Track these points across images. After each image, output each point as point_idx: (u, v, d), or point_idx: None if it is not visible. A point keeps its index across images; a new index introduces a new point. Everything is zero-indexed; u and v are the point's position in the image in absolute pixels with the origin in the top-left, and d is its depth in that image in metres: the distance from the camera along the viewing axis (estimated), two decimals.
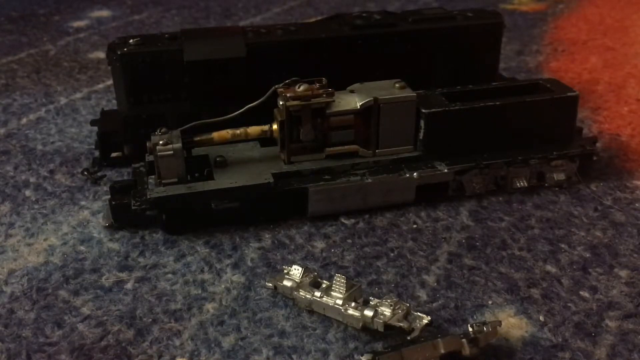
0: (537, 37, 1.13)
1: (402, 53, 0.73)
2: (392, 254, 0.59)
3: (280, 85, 0.61)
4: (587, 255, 0.58)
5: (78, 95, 0.93)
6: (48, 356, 0.49)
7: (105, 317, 0.52)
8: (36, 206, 0.67)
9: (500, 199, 0.66)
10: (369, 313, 0.48)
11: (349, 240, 0.61)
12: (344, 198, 0.63)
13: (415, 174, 0.64)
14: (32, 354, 0.49)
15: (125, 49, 0.67)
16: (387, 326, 0.48)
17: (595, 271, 0.56)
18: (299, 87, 0.61)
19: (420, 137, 0.65)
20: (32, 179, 0.71)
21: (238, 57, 0.68)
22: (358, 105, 0.62)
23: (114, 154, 0.73)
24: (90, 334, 0.51)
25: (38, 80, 0.98)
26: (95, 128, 0.74)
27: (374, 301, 0.50)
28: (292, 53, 0.70)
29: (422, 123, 0.64)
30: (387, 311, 0.48)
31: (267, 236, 0.61)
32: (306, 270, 0.53)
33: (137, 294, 0.54)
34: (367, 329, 0.49)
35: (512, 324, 0.51)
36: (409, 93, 0.63)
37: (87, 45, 1.13)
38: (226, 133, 0.64)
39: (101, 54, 1.06)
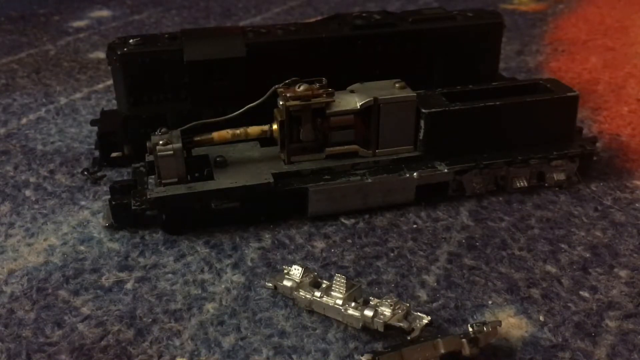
0: (537, 37, 1.13)
1: (402, 53, 0.73)
2: (392, 254, 0.59)
3: (280, 85, 0.61)
4: (587, 255, 0.58)
5: (78, 95, 0.93)
6: (48, 356, 0.49)
7: (105, 317, 0.52)
8: (36, 206, 0.67)
9: (500, 199, 0.66)
10: (369, 313, 0.48)
11: (349, 240, 0.61)
12: (344, 198, 0.63)
13: (415, 174, 0.64)
14: (32, 354, 0.49)
15: (125, 49, 0.67)
16: (387, 326, 0.48)
17: (595, 271, 0.56)
18: (299, 87, 0.61)
19: (420, 137, 0.65)
20: (32, 179, 0.71)
21: (238, 57, 0.68)
22: (358, 105, 0.62)
23: (114, 154, 0.73)
24: (90, 334, 0.51)
25: (38, 80, 0.98)
26: (95, 128, 0.74)
27: (374, 301, 0.50)
28: (292, 53, 0.70)
29: (422, 123, 0.64)
30: (387, 311, 0.48)
31: (267, 236, 0.61)
32: (306, 270, 0.53)
33: (137, 294, 0.54)
34: (367, 329, 0.49)
35: (512, 324, 0.51)
36: (409, 93, 0.63)
37: (87, 45, 1.13)
38: (226, 133, 0.64)
39: (101, 54, 1.06)
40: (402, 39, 0.72)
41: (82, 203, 0.67)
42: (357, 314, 0.49)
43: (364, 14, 0.74)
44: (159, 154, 0.59)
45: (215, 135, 0.63)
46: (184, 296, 0.54)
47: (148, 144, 0.61)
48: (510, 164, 0.66)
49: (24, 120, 0.85)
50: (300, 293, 0.52)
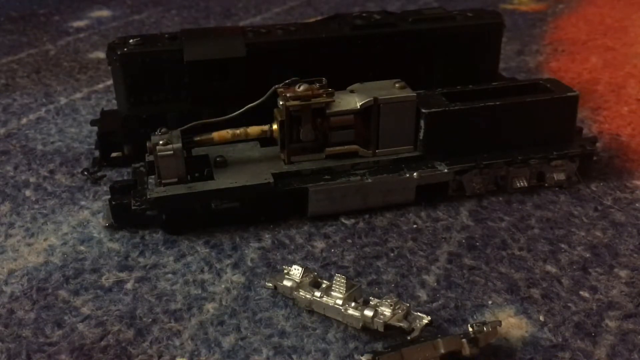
0: (537, 37, 1.13)
1: (402, 53, 0.73)
2: (392, 254, 0.59)
3: (280, 85, 0.61)
4: (587, 255, 0.58)
5: (78, 95, 0.93)
6: (48, 356, 0.49)
7: (105, 317, 0.52)
8: (36, 206, 0.67)
9: (500, 199, 0.66)
10: (369, 313, 0.48)
11: (349, 240, 0.61)
12: (344, 198, 0.63)
13: (415, 174, 0.64)
14: (32, 354, 0.49)
15: (125, 49, 0.67)
16: (387, 326, 0.48)
17: (595, 271, 0.56)
18: (299, 87, 0.61)
19: (420, 137, 0.65)
20: (32, 179, 0.71)
21: (238, 57, 0.68)
22: (358, 105, 0.62)
23: (114, 154, 0.73)
24: (90, 334, 0.51)
25: (38, 80, 0.98)
26: (95, 128, 0.74)
27: (374, 301, 0.50)
28: (292, 53, 0.70)
29: (422, 123, 0.64)
30: (387, 311, 0.48)
31: (267, 236, 0.61)
32: (306, 270, 0.53)
33: (137, 294, 0.54)
34: (367, 329, 0.49)
35: (512, 324, 0.51)
36: (409, 93, 0.63)
37: (87, 45, 1.13)
38: (226, 133, 0.64)
39: (101, 54, 1.06)
40: (402, 39, 0.72)
41: (82, 203, 0.67)
42: (357, 314, 0.49)
43: (364, 14, 0.74)
44: (159, 154, 0.59)
45: (215, 135, 0.63)
46: (184, 296, 0.54)
47: (148, 144, 0.61)
48: (510, 164, 0.66)
49: (24, 120, 0.85)
50: (300, 293, 0.52)
